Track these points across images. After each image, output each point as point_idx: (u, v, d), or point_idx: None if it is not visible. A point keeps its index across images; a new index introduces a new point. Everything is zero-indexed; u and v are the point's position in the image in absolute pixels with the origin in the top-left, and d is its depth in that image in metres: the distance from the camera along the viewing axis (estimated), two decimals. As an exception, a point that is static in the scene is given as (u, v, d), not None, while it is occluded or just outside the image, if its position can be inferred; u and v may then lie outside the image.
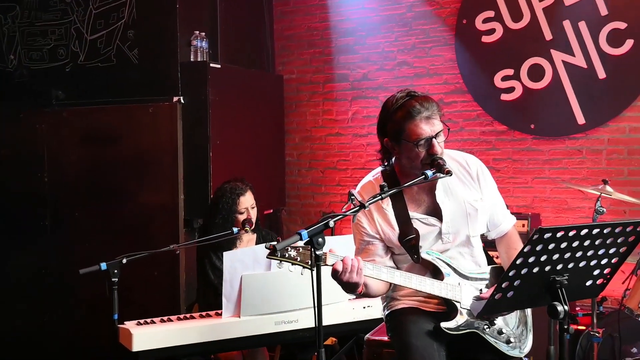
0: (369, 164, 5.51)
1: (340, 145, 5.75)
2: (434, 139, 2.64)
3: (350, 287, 2.54)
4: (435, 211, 2.78)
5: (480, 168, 2.88)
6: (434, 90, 5.29)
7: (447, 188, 2.80)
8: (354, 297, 3.67)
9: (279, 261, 2.36)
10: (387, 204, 2.76)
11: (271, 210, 5.70)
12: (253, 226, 3.90)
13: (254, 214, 3.95)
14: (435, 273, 2.75)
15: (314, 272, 2.28)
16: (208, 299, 3.88)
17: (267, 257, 2.33)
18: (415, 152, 2.65)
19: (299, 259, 2.40)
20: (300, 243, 2.36)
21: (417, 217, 2.77)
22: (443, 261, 2.75)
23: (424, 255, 2.72)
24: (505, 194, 4.92)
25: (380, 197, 2.48)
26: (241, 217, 3.91)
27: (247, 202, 3.94)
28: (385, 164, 2.84)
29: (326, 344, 4.26)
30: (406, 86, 5.23)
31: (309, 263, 2.35)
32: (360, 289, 2.57)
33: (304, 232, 2.27)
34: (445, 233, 2.77)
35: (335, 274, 2.49)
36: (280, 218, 5.89)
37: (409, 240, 2.72)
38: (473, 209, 2.80)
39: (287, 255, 2.39)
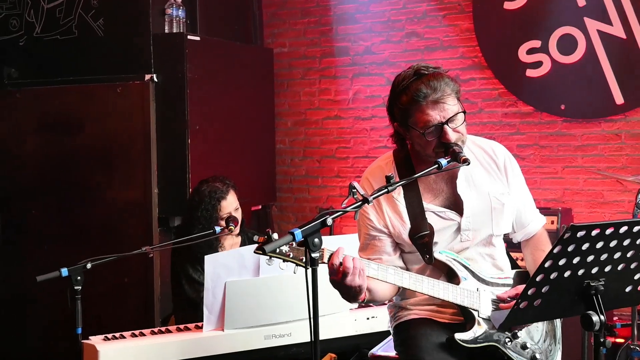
0: (372, 152, 5.51)
1: (339, 130, 5.74)
2: (445, 126, 2.64)
3: (351, 293, 2.52)
4: (455, 204, 2.79)
5: (508, 158, 2.90)
6: (449, 65, 5.27)
7: (469, 178, 2.80)
8: (356, 305, 3.69)
9: (268, 257, 2.35)
10: (399, 193, 2.77)
11: (260, 207, 5.70)
12: (238, 225, 3.88)
13: (238, 217, 3.93)
14: (450, 276, 2.75)
15: (309, 272, 2.27)
16: (185, 314, 3.87)
17: (254, 252, 2.32)
18: (425, 141, 2.66)
19: (291, 255, 2.40)
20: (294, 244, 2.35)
21: (433, 210, 2.77)
22: (459, 263, 2.75)
23: (437, 255, 2.72)
24: (531, 186, 4.90)
25: (385, 190, 2.47)
26: (223, 222, 3.88)
27: (230, 205, 3.92)
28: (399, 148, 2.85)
29: (324, 361, 4.27)
30: (416, 61, 5.26)
31: (303, 260, 2.34)
32: (363, 295, 2.56)
33: (298, 232, 2.26)
34: (464, 229, 2.77)
35: (334, 276, 2.48)
36: (270, 215, 5.88)
37: (421, 237, 2.72)
38: (499, 204, 2.80)
39: (277, 251, 2.38)
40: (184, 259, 3.89)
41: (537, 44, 4.98)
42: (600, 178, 4.86)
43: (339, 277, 2.48)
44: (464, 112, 2.71)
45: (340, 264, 2.47)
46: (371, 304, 3.66)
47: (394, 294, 2.84)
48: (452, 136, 2.64)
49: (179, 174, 4.71)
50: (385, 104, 2.82)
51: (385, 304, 3.03)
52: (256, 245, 2.33)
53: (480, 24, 5.18)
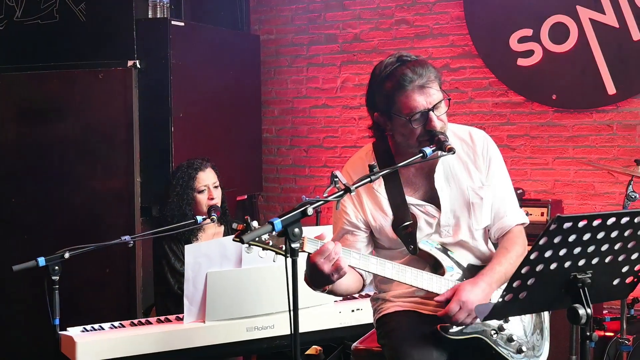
0: (360, 141, 5.49)
1: (327, 119, 5.72)
2: (431, 112, 2.62)
3: (323, 278, 2.48)
4: (433, 198, 2.78)
5: (487, 144, 2.85)
6: (439, 53, 5.27)
7: (448, 171, 2.78)
8: (341, 297, 3.67)
9: (247, 245, 2.32)
10: (380, 186, 2.75)
11: (245, 196, 5.67)
12: (219, 213, 3.86)
13: (217, 195, 3.94)
14: (435, 267, 2.74)
15: (289, 262, 2.25)
16: (167, 305, 3.85)
17: (233, 240, 2.29)
18: (410, 128, 2.63)
19: (271, 243, 2.37)
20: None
21: (413, 203, 2.76)
22: (444, 253, 2.74)
23: (421, 245, 2.71)
24: (521, 177, 4.96)
25: (369, 179, 2.45)
26: (201, 197, 3.89)
27: (208, 179, 3.94)
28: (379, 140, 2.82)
29: (309, 354, 4.26)
30: (406, 49, 5.28)
31: (283, 248, 2.32)
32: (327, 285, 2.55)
33: (277, 222, 2.24)
34: (444, 225, 2.76)
35: (313, 259, 2.45)
36: (256, 205, 5.86)
37: (404, 227, 2.71)
38: (477, 198, 2.78)
39: (257, 239, 2.35)
40: (164, 246, 3.88)
41: (528, 32, 4.96)
42: (591, 169, 4.86)
43: (313, 255, 2.45)
44: (449, 98, 2.68)
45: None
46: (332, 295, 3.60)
47: (358, 290, 2.80)
48: (437, 124, 2.63)
49: (162, 162, 4.66)
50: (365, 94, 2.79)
51: (370, 296, 3.02)
52: (235, 223, 2.31)
53: (471, 11, 5.16)
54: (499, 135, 5.03)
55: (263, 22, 5.89)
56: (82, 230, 4.70)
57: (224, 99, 5.22)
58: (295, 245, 2.26)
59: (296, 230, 2.27)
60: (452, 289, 2.67)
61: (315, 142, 5.78)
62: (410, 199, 2.75)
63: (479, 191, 2.78)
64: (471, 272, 2.78)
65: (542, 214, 4.42)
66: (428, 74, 2.63)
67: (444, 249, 2.76)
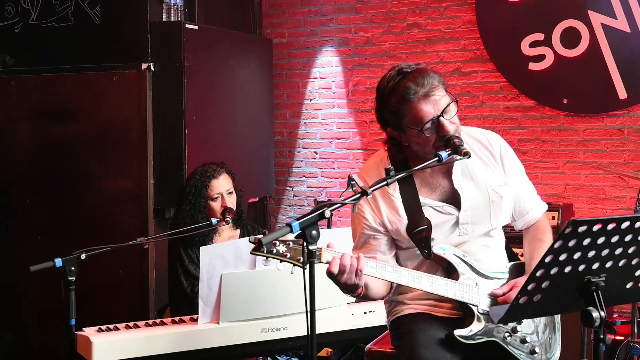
0: (372, 145, 5.51)
1: (338, 122, 5.75)
2: (441, 118, 2.64)
3: (348, 289, 2.57)
4: (452, 198, 2.79)
5: (504, 147, 2.89)
6: (450, 57, 5.28)
7: (466, 171, 2.80)
8: (353, 300, 3.69)
9: (264, 257, 2.35)
10: (394, 190, 2.77)
11: (257, 199, 5.70)
12: (234, 215, 3.87)
13: (231, 202, 3.93)
14: (449, 271, 2.76)
15: (307, 271, 2.27)
16: (180, 307, 3.87)
17: (251, 253, 2.32)
18: (423, 138, 2.65)
19: (288, 255, 2.40)
20: (291, 236, 2.35)
21: (431, 204, 2.77)
22: (458, 257, 2.76)
23: (435, 250, 2.73)
24: (532, 181, 4.90)
25: (385, 182, 2.47)
26: (214, 205, 3.89)
27: (222, 186, 3.92)
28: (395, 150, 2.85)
29: (320, 356, 4.28)
30: (417, 53, 5.31)
31: (300, 260, 2.35)
32: (360, 290, 2.60)
33: (295, 224, 2.26)
34: (462, 223, 2.78)
35: (331, 275, 2.51)
36: (267, 207, 5.89)
37: (419, 232, 2.73)
38: (497, 196, 2.81)
39: (274, 251, 2.38)
40: (179, 249, 3.89)
41: (540, 37, 4.98)
42: (602, 174, 4.87)
43: (335, 273, 2.50)
44: (456, 100, 2.70)
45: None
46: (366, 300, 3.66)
47: (389, 292, 2.86)
48: (450, 128, 2.64)
49: (175, 164, 4.70)
50: (374, 111, 2.82)
51: (383, 299, 3.04)
52: (252, 236, 2.33)
53: (482, 15, 5.18)
54: (510, 139, 5.02)
55: (275, 26, 5.92)
56: (95, 231, 4.74)
57: (237, 102, 5.25)
58: (312, 247, 2.29)
59: (314, 232, 2.29)
60: (508, 283, 2.76)
61: (326, 145, 5.81)
62: (427, 200, 2.77)
63: (498, 190, 2.81)
64: (514, 271, 2.85)
65: (553, 218, 4.43)
66: (430, 81, 2.64)
67: (458, 253, 2.77)
